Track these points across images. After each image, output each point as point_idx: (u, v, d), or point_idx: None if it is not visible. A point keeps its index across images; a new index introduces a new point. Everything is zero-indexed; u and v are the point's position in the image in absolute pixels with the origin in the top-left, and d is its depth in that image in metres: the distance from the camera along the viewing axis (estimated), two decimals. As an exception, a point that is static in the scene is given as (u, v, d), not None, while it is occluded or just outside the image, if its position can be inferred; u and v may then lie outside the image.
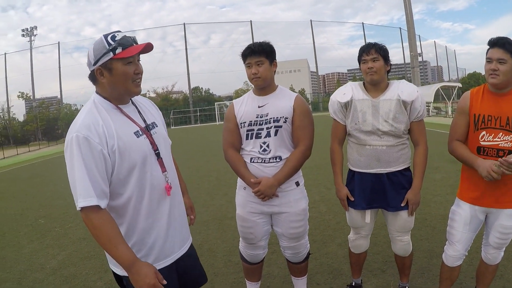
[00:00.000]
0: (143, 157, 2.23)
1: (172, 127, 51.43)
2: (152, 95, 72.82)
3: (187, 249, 2.54)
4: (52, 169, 18.51)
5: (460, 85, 39.66)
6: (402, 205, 3.34)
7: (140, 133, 2.27)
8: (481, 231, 3.32)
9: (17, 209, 9.56)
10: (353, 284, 3.94)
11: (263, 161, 3.27)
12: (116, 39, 2.14)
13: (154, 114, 2.51)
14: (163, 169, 2.34)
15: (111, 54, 2.13)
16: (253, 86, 3.37)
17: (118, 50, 2.13)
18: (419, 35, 75.53)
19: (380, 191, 3.36)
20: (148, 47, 2.22)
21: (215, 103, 60.66)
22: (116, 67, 2.16)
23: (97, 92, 2.29)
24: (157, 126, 2.44)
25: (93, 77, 2.25)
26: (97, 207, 2.06)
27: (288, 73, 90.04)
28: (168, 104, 65.88)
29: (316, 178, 9.68)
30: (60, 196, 10.48)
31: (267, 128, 3.26)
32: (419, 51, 59.88)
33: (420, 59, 59.08)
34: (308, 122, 3.33)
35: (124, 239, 2.18)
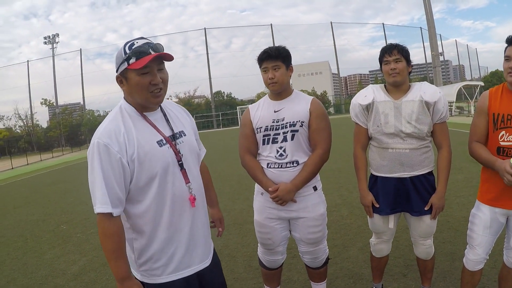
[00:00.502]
0: (164, 167, 2.19)
1: (194, 132, 49.83)
2: (175, 100, 73.19)
3: (210, 262, 2.48)
4: (75, 175, 18.72)
5: (483, 83, 39.01)
6: (426, 209, 3.29)
7: (164, 142, 2.22)
8: (503, 234, 3.26)
9: (39, 215, 9.69)
10: (374, 288, 3.89)
11: (280, 166, 3.25)
12: (133, 47, 2.09)
13: (184, 123, 2.46)
14: (187, 180, 2.28)
15: (126, 64, 2.10)
16: (269, 90, 3.36)
17: (132, 60, 2.08)
18: (440, 34, 74.85)
19: (404, 196, 3.31)
20: (165, 57, 2.15)
21: (237, 107, 60.81)
22: (131, 77, 2.12)
23: (124, 98, 2.28)
24: (185, 135, 2.38)
25: None
26: (110, 215, 2.06)
27: (309, 76, 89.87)
28: (190, 108, 65.97)
29: (338, 181, 9.62)
30: (82, 202, 10.56)
31: (284, 133, 3.23)
32: (440, 50, 59.21)
33: (441, 58, 58.50)
34: (325, 125, 3.29)
35: (144, 248, 2.23)
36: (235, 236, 6.18)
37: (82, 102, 74.90)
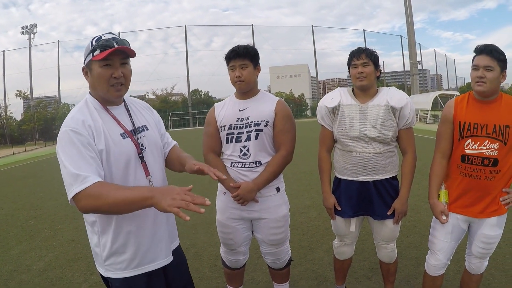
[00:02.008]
0: (126, 159, 2.22)
1: (170, 130, 51.09)
2: (152, 97, 72.76)
3: (172, 258, 2.48)
4: (46, 169, 18.42)
5: (458, 93, 39.46)
6: (389, 213, 3.30)
7: (126, 135, 2.26)
8: (465, 240, 3.29)
9: (8, 210, 9.49)
10: (336, 291, 3.90)
11: (243, 166, 3.24)
12: (99, 40, 2.15)
13: (147, 118, 2.49)
14: (147, 173, 2.30)
15: (91, 56, 2.16)
16: (235, 89, 3.34)
17: (96, 52, 2.14)
18: (419, 44, 75.74)
19: (366, 199, 3.32)
20: (127, 51, 2.19)
21: (213, 105, 60.46)
22: (94, 68, 2.17)
23: (90, 92, 2.32)
24: (147, 130, 2.41)
25: None
26: (89, 187, 1.96)
27: (288, 78, 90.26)
28: (167, 106, 65.72)
29: (309, 183, 9.69)
30: (52, 197, 10.46)
31: (248, 132, 3.22)
32: (419, 59, 60.10)
33: (419, 67, 59.46)
34: (290, 126, 3.29)
35: (108, 241, 2.22)
36: (202, 235, 6.17)
37: (57, 95, 73.85)
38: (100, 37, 2.17)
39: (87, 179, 1.96)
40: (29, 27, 69.56)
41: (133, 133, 2.30)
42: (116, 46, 2.14)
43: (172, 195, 1.82)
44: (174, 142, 2.72)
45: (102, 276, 2.39)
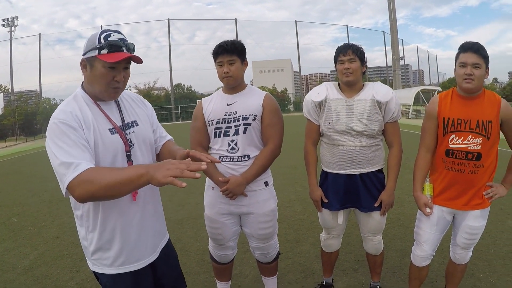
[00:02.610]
0: (113, 155, 2.19)
1: (153, 125, 49.23)
2: (134, 91, 72.00)
3: (160, 253, 2.48)
4: (29, 165, 18.14)
5: (440, 89, 40.06)
6: (376, 205, 3.35)
7: (114, 131, 2.23)
8: (449, 231, 3.35)
9: (-11, 207, 9.37)
10: (324, 283, 3.94)
11: (231, 160, 3.25)
12: (108, 39, 2.10)
13: (138, 113, 2.45)
14: None
15: (96, 52, 2.10)
16: (223, 84, 3.35)
17: (103, 51, 2.09)
18: (402, 39, 76.11)
19: (353, 192, 3.36)
20: (135, 59, 2.17)
21: (197, 100, 60.38)
22: (97, 66, 2.12)
23: (82, 86, 2.27)
24: (137, 125, 2.38)
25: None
26: (82, 172, 1.93)
27: (271, 72, 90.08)
28: (150, 100, 63.43)
29: (293, 177, 9.75)
30: (35, 193, 10.32)
31: (236, 126, 3.23)
32: (401, 54, 60.59)
33: (402, 62, 60.02)
34: (277, 120, 3.31)
35: (95, 237, 2.21)
36: (189, 230, 6.18)
37: (38, 90, 72.72)
38: (109, 35, 2.12)
39: (79, 166, 1.91)
40: (10, 20, 68.11)
41: (122, 128, 2.28)
42: (125, 51, 2.13)
43: (167, 165, 1.79)
44: (169, 137, 2.66)
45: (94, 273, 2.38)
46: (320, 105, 3.36)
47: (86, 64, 2.16)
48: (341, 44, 3.34)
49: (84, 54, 2.15)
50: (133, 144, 2.30)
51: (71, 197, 2.09)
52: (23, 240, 6.51)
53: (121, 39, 2.14)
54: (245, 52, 3.28)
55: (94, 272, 2.35)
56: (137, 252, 2.31)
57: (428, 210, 3.17)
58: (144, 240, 2.34)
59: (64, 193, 1.97)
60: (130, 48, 2.18)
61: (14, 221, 7.83)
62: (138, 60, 2.18)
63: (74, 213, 2.28)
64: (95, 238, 2.23)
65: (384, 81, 74.23)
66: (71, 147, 1.98)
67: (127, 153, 2.25)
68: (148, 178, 1.80)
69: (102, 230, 2.22)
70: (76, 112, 2.10)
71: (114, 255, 2.25)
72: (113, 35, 2.13)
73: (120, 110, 2.34)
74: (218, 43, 3.22)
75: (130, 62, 2.22)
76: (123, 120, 2.31)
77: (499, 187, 3.15)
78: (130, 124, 2.34)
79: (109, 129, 2.21)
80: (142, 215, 2.32)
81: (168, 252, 2.57)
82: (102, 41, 2.09)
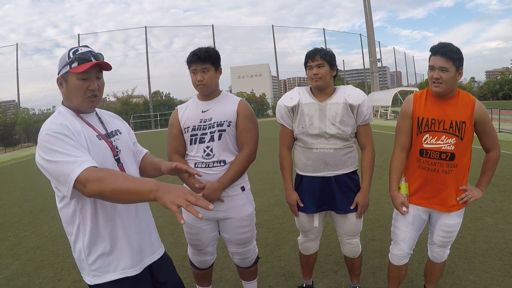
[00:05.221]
0: (103, 159, 2.24)
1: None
2: (112, 99, 71.47)
3: (156, 258, 2.51)
4: (8, 176, 17.87)
5: (418, 89, 40.30)
6: (352, 207, 3.37)
7: (100, 138, 2.29)
8: (426, 230, 3.39)
9: (-31, 219, 9.22)
10: (304, 285, 3.97)
11: (207, 166, 3.26)
12: (77, 53, 2.21)
13: (118, 124, 2.56)
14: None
15: (68, 68, 2.21)
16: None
17: (74, 65, 2.20)
18: (378, 42, 76.65)
19: (329, 194, 3.37)
20: (104, 66, 2.27)
21: (176, 107, 59.84)
22: (71, 80, 2.23)
23: (62, 103, 2.35)
24: (120, 133, 2.48)
25: None
26: (91, 168, 1.97)
27: (249, 78, 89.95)
28: (128, 108, 64.30)
29: (272, 181, 9.80)
30: (14, 204, 10.20)
31: (211, 133, 3.25)
32: (378, 57, 61.17)
33: (379, 64, 60.47)
34: (252, 125, 3.33)
35: (92, 243, 2.22)
36: (169, 237, 6.17)
37: (16, 100, 71.70)
38: (77, 50, 2.24)
39: (85, 163, 1.97)
40: (-13, 30, 67.42)
41: (107, 136, 2.35)
42: (93, 60, 2.22)
43: (177, 192, 1.78)
44: (146, 151, 2.78)
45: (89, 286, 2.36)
46: (293, 110, 3.38)
47: (62, 81, 2.27)
48: (318, 47, 3.35)
49: (58, 73, 2.27)
50: (120, 150, 2.38)
51: (63, 215, 2.20)
52: (4, 251, 6.45)
53: (88, 51, 2.25)
54: (219, 60, 3.29)
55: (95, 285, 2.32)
56: (131, 257, 2.33)
57: (404, 209, 3.21)
58: (143, 243, 2.40)
59: (69, 193, 1.99)
60: (99, 58, 2.27)
61: (-6, 232, 7.73)
62: (107, 67, 2.29)
63: (67, 230, 2.29)
64: (92, 245, 2.24)
65: (362, 84, 74.86)
66: (71, 150, 2.02)
67: (115, 157, 2.32)
68: (157, 196, 1.82)
69: (98, 237, 2.23)
70: (66, 123, 2.17)
71: (113, 261, 2.27)
72: (81, 49, 2.25)
73: (101, 122, 2.42)
74: (192, 51, 3.23)
75: (101, 72, 2.32)
76: (106, 129, 2.39)
77: (474, 190, 3.19)
78: (114, 133, 2.44)
79: (96, 136, 2.28)
80: (138, 219, 2.38)
81: (165, 259, 2.61)
82: (71, 56, 2.22)
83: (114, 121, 2.55)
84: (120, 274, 2.28)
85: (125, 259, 2.29)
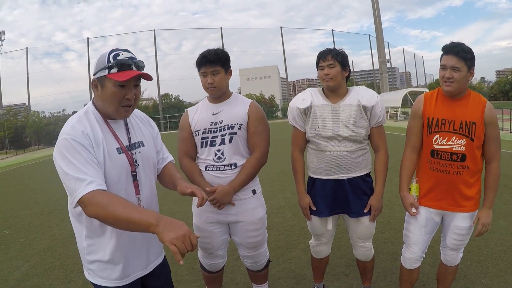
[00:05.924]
0: (118, 175, 2.21)
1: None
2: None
3: (152, 269, 2.51)
4: (18, 178, 18.00)
5: (427, 90, 40.11)
6: (365, 211, 3.34)
7: (121, 151, 2.25)
8: (439, 233, 3.36)
9: (-20, 220, 9.30)
10: (315, 288, 3.94)
11: (218, 169, 3.24)
12: (117, 58, 2.13)
13: (144, 133, 2.49)
14: (137, 191, 2.31)
15: (106, 72, 2.13)
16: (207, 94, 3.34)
17: (113, 70, 2.12)
18: (387, 42, 76.61)
19: (342, 197, 3.34)
20: (144, 76, 2.19)
21: (185, 109, 59.88)
22: (108, 85, 2.15)
23: (93, 102, 2.30)
24: (143, 146, 2.41)
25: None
26: (97, 191, 1.98)
27: (258, 80, 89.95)
28: (136, 111, 64.79)
29: (283, 184, 9.77)
30: (25, 206, 10.27)
31: (222, 136, 3.22)
32: (387, 57, 60.85)
33: (388, 65, 60.19)
34: (263, 128, 3.31)
35: (95, 250, 2.24)
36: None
37: (27, 103, 72.33)
38: (118, 54, 2.15)
39: (92, 183, 1.96)
40: (-3, 35, 68.08)
41: (129, 148, 2.30)
42: (134, 69, 2.16)
43: (177, 233, 1.79)
44: (170, 158, 2.70)
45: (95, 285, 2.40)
46: (306, 112, 3.34)
47: (97, 84, 2.19)
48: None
49: (94, 74, 2.19)
50: (138, 164, 2.33)
51: (71, 210, 2.21)
52: (14, 252, 6.49)
53: (130, 57, 2.17)
54: (229, 61, 3.26)
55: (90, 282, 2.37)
56: (132, 267, 2.35)
57: (414, 210, 3.18)
58: (139, 254, 2.39)
59: (73, 205, 2.02)
60: (140, 65, 2.20)
61: (5, 233, 7.81)
62: (148, 77, 2.21)
63: (74, 224, 2.30)
64: (95, 251, 2.26)
65: (371, 85, 74.54)
66: (83, 165, 2.01)
67: (133, 173, 2.29)
68: (156, 231, 1.83)
69: (102, 245, 2.24)
70: (87, 131, 2.13)
71: (110, 269, 2.28)
72: (122, 54, 2.16)
73: (127, 130, 2.36)
74: (201, 53, 3.21)
75: (140, 80, 2.25)
76: (130, 140, 2.34)
77: (484, 217, 3.13)
78: (136, 145, 2.37)
79: (117, 149, 2.23)
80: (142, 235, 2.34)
81: (163, 268, 2.62)
82: (111, 60, 2.13)
83: (141, 129, 2.47)
84: (110, 283, 2.29)
85: (118, 272, 2.29)
